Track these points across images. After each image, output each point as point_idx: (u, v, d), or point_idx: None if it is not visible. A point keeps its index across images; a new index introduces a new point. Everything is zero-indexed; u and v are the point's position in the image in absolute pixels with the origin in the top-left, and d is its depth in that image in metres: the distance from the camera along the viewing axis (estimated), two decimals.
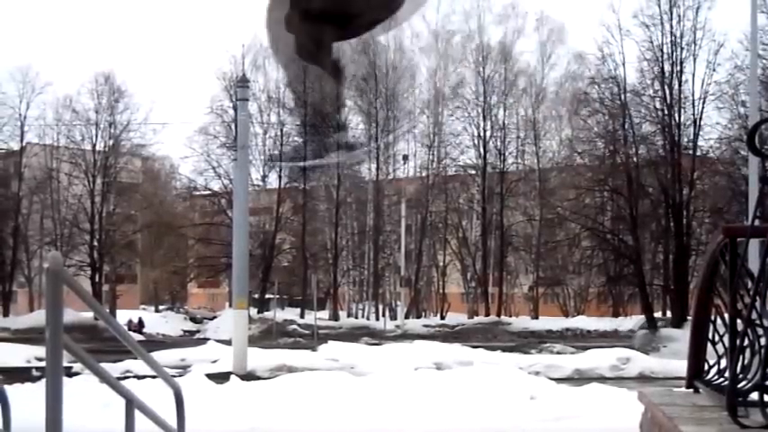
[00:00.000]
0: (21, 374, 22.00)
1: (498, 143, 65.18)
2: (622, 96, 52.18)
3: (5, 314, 60.75)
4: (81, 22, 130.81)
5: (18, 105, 62.37)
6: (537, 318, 61.47)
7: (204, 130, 65.19)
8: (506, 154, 65.25)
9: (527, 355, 30.97)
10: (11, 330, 51.21)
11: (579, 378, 24.36)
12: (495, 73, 65.20)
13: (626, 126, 51.34)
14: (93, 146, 63.20)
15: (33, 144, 64.19)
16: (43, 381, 3.44)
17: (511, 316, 62.84)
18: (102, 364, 4.08)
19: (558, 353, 34.42)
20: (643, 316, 48.73)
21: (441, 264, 68.33)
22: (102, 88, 63.55)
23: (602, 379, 22.87)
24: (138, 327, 57.98)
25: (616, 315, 59.94)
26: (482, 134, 64.78)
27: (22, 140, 63.14)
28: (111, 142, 63.58)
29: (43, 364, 3.45)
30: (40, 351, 28.22)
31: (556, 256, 64.38)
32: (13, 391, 6.36)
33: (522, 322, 58.53)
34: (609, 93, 53.26)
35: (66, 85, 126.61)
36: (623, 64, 52.60)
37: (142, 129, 63.92)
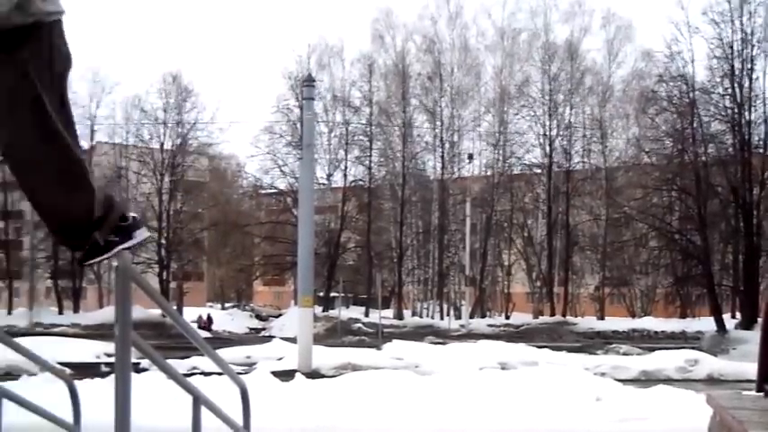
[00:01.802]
0: (90, 370, 22.27)
1: (564, 142, 64.84)
2: (691, 94, 51.51)
3: (75, 310, 61.77)
4: (150, 23, 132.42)
5: (88, 105, 63.42)
6: (603, 318, 61.02)
7: (270, 128, 65.70)
8: (572, 153, 64.93)
9: (593, 356, 30.72)
10: (80, 326, 52.01)
11: (646, 380, 24.12)
12: (562, 71, 64.86)
13: (694, 124, 50.67)
14: (161, 144, 63.99)
15: (103, 143, 65.14)
16: (112, 376, 3.48)
17: (576, 316, 62.44)
18: (170, 361, 4.11)
19: (625, 354, 34.08)
20: (712, 317, 48.08)
21: (506, 263, 68.08)
22: (170, 88, 64.35)
23: (669, 381, 22.60)
24: (208, 324, 58.54)
25: (684, 316, 59.24)
26: (548, 133, 64.51)
27: (92, 139, 64.10)
28: (178, 141, 64.31)
29: (112, 360, 3.49)
30: (109, 347, 28.60)
31: (622, 256, 63.81)
32: (83, 386, 6.45)
33: (587, 323, 58.12)
34: (677, 91, 52.61)
35: (135, 84, 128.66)
36: (692, 61, 51.99)
37: (209, 128, 64.61)
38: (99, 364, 26.96)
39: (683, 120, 51.76)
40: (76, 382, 5.76)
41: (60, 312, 62.35)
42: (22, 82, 3.11)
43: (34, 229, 63.90)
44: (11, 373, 21.92)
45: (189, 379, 4.60)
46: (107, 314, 52.20)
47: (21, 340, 5.73)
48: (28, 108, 3.13)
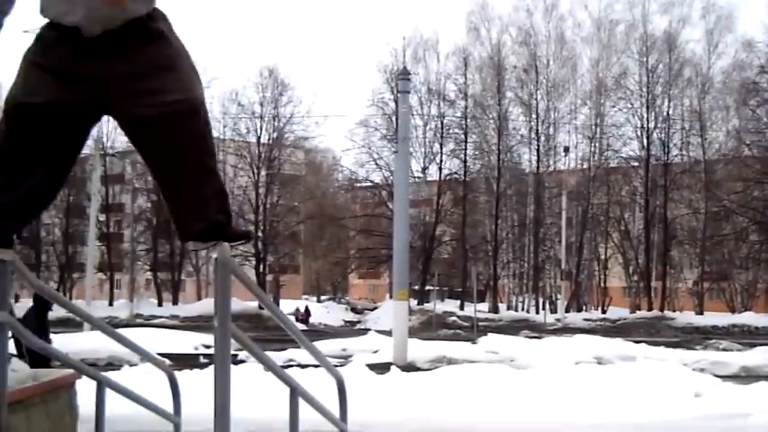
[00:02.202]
0: (189, 361, 22.63)
1: (662, 134, 63.88)
2: None
3: (175, 302, 62.83)
4: (247, 18, 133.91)
5: None
6: (702, 313, 60.03)
7: (365, 122, 65.92)
8: (671, 145, 63.93)
9: (691, 352, 30.27)
10: (180, 318, 52.92)
11: (747, 376, 23.68)
12: (660, 63, 63.90)
13: None
14: (258, 138, 64.64)
15: None
16: (210, 367, 3.53)
17: (674, 311, 61.54)
18: (267, 353, 4.16)
19: (725, 350, 33.49)
20: None
21: (602, 257, 67.37)
22: (267, 82, 64.94)
23: None
24: (306, 316, 59.08)
25: None
26: (645, 125, 63.60)
27: None
28: (274, 135, 64.89)
29: (210, 351, 3.55)
30: (207, 338, 29.08)
31: (722, 250, 62.70)
32: (182, 377, 6.55)
33: (686, 317, 57.27)
34: None
35: (233, 79, 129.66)
36: None
37: (305, 121, 65.04)
38: (198, 355, 27.39)
39: None
40: (176, 373, 5.86)
41: (160, 304, 63.49)
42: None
43: (134, 221, 65.23)
44: (112, 364, 22.44)
45: (286, 371, 4.65)
46: (206, 306, 53.02)
47: (122, 331, 5.85)
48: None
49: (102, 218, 66.15)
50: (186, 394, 5.82)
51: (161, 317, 54.11)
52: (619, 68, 65.01)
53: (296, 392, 4.43)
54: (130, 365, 20.37)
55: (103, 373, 5.69)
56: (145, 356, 5.89)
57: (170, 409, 5.69)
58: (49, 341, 12.60)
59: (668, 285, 63.88)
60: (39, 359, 11.26)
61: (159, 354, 12.89)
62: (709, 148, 63.84)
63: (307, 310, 61.71)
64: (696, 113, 63.58)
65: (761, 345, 31.13)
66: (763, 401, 15.82)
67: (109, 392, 5.20)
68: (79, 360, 6.15)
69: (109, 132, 64.03)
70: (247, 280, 3.60)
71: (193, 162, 3.46)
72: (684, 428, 14.26)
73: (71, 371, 5.79)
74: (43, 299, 13.25)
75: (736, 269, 62.49)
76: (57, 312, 26.82)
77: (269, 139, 64.75)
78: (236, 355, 17.04)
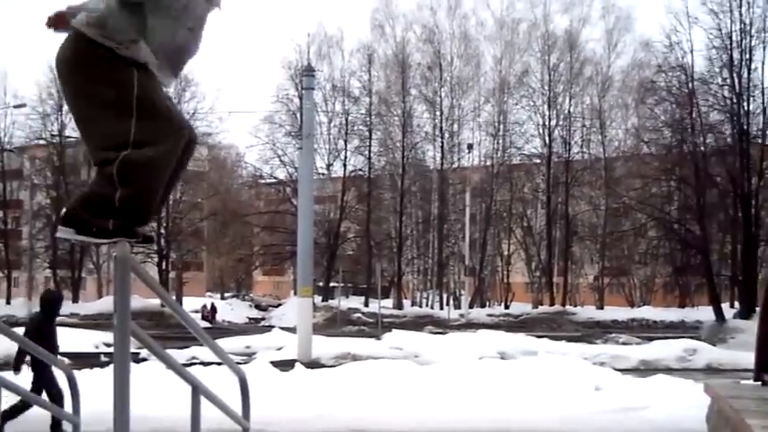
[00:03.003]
0: (89, 360, 22.32)
1: (564, 132, 64.83)
2: (690, 85, 51.40)
3: (75, 300, 61.73)
4: None
5: None
6: (602, 308, 61.10)
7: (270, 118, 65.62)
8: (572, 143, 64.89)
9: (592, 346, 30.76)
10: (80, 316, 52.02)
11: (645, 369, 24.15)
12: (561, 61, 64.83)
13: (693, 115, 50.60)
14: None
15: None
16: (111, 366, 3.49)
17: (576, 306, 62.53)
18: (169, 351, 4.12)
19: (624, 343, 34.12)
20: (710, 307, 48.11)
21: (505, 253, 68.15)
22: None
23: (668, 370, 22.65)
24: (212, 314, 58.66)
25: (682, 306, 59.35)
26: (547, 123, 64.47)
27: None
28: None
29: (111, 349, 3.50)
30: (108, 337, 28.65)
31: (622, 246, 63.84)
32: (82, 376, 6.45)
33: (587, 312, 58.20)
34: (676, 81, 52.52)
35: None
36: (691, 52, 51.85)
37: (208, 117, 64.56)
38: (98, 354, 27.00)
39: (682, 110, 51.70)
40: (75, 372, 5.78)
41: None
42: None
43: (33, 218, 63.97)
44: (10, 363, 21.97)
45: (188, 369, 4.61)
46: (106, 304, 52.28)
47: (19, 330, 5.74)
48: None
49: (0, 214, 64.86)
50: (86, 393, 5.74)
51: (60, 315, 52.99)
52: (521, 67, 65.77)
53: (198, 390, 4.40)
54: (28, 366, 19.97)
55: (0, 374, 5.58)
56: (43, 356, 5.80)
57: (69, 408, 5.61)
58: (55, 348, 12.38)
59: (569, 281, 64.87)
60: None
61: (59, 353, 12.69)
62: (608, 146, 65.00)
63: (213, 307, 61.24)
64: (596, 111, 64.67)
65: (659, 338, 31.79)
66: (661, 394, 16.14)
67: (6, 393, 5.11)
68: None
69: (6, 128, 62.83)
70: (147, 277, 3.56)
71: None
72: (584, 422, 14.47)
73: None
74: (51, 302, 13.01)
75: (635, 264, 63.64)
76: None
77: None
78: (138, 354, 16.84)
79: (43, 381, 12.12)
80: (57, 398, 11.73)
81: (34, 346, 5.68)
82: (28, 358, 12.18)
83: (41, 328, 12.30)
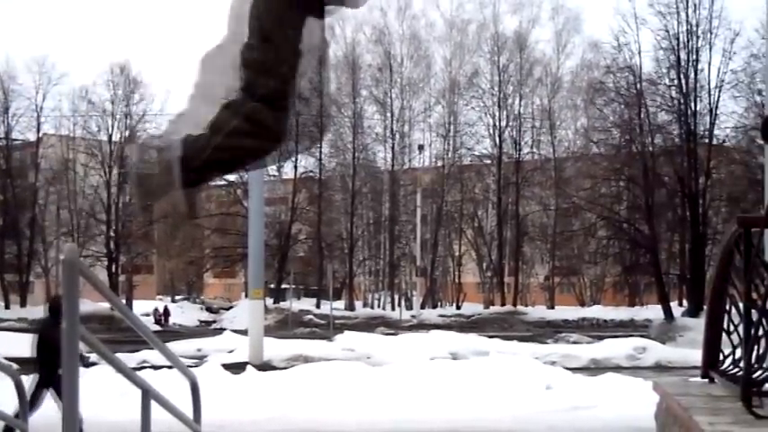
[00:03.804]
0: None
1: (514, 133, 65.08)
2: (638, 85, 51.97)
3: (23, 304, 61.04)
4: (97, 13, 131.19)
5: (34, 96, 62.65)
6: (553, 307, 61.46)
7: None
8: (522, 144, 65.16)
9: (543, 345, 30.93)
10: (28, 320, 51.41)
11: (595, 368, 24.33)
12: (511, 62, 65.10)
13: (642, 115, 51.14)
14: (110, 136, 63.36)
15: (50, 135, 64.41)
16: (60, 371, 3.46)
17: (527, 306, 62.80)
18: (119, 355, 4.10)
19: (575, 342, 34.38)
20: (659, 305, 48.61)
21: (456, 254, 68.29)
22: (118, 79, 63.74)
23: (618, 369, 22.83)
24: (164, 317, 58.29)
25: (632, 305, 59.86)
26: (497, 124, 64.66)
27: (38, 131, 63.40)
28: (127, 133, 63.71)
29: None
30: None
31: (572, 245, 64.27)
32: (29, 382, 6.38)
33: (538, 312, 58.50)
34: (625, 82, 53.09)
35: (82, 76, 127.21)
36: (639, 53, 52.44)
37: (158, 119, 63.97)
38: None
39: (631, 110, 52.23)
40: (24, 378, 5.72)
41: (7, 307, 61.56)
42: None
43: None
44: None
45: (138, 373, 4.59)
46: None
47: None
48: None
49: None
50: None
51: (8, 320, 52.50)
52: (471, 68, 65.93)
53: (148, 394, 4.37)
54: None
55: None
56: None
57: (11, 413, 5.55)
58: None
59: (520, 280, 65.16)
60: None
61: (6, 358, 12.55)
62: (558, 147, 65.40)
63: (166, 310, 60.90)
64: (546, 112, 65.04)
65: (609, 337, 31.99)
66: (611, 392, 16.28)
67: None
68: None
69: None
70: (96, 281, 3.54)
71: None
72: (535, 421, 14.56)
73: None
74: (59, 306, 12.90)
75: (585, 264, 64.07)
76: None
77: (121, 137, 63.55)
78: (88, 357, 16.68)
79: (52, 382, 12.20)
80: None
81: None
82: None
83: (51, 333, 12.35)
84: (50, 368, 12.17)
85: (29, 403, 11.18)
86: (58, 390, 12.32)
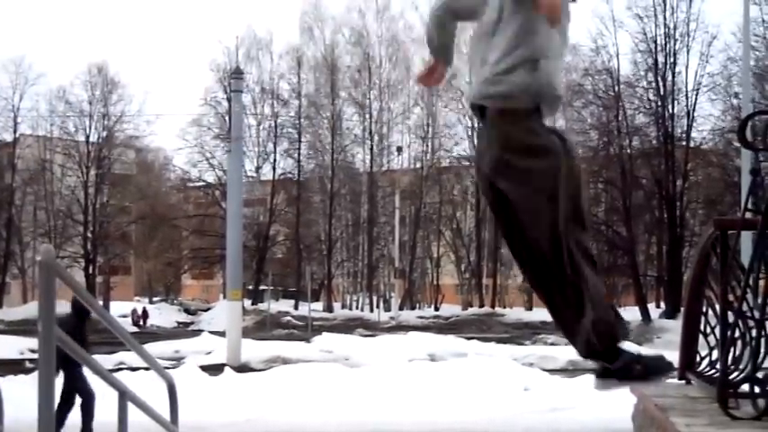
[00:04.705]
0: (14, 366, 21.98)
1: None
2: (616, 88, 52.20)
3: None
4: (74, 13, 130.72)
5: (11, 96, 62.34)
6: (531, 309, 61.53)
7: (198, 121, 65.16)
8: None
9: (521, 347, 30.99)
10: (4, 322, 51.16)
11: (573, 369, 24.32)
12: None
13: (619, 117, 51.36)
14: (87, 137, 63.12)
15: (27, 135, 64.09)
16: (36, 373, 3.44)
17: (505, 307, 62.96)
18: (96, 357, 4.08)
19: (552, 344, 34.43)
20: (637, 307, 48.79)
21: (435, 255, 68.43)
22: (96, 79, 63.52)
23: (595, 370, 22.83)
24: (143, 318, 58.13)
25: None
26: (476, 125, 64.62)
27: (15, 132, 63.06)
28: (104, 133, 63.53)
29: (36, 356, 3.46)
30: (33, 343, 28.22)
31: None
32: (6, 383, 6.35)
33: (516, 313, 58.61)
34: (602, 84, 53.30)
35: (60, 76, 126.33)
36: (617, 55, 52.67)
37: (136, 120, 63.88)
38: (23, 360, 26.57)
39: (609, 113, 52.44)
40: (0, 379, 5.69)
41: None
42: None
43: None
44: None
45: (115, 374, 4.57)
46: (31, 309, 51.39)
47: None
48: None
49: None
50: (9, 401, 5.66)
51: None
52: (450, 70, 65.89)
53: (125, 396, 4.36)
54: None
55: None
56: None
57: None
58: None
59: (499, 282, 65.29)
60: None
61: None
62: None
63: (144, 311, 60.75)
64: None
65: None
66: (588, 394, 16.32)
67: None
68: None
69: None
70: (73, 282, 3.52)
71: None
72: (512, 422, 14.59)
73: None
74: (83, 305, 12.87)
75: None
76: None
77: (98, 138, 63.35)
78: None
79: (75, 381, 12.15)
80: (89, 399, 12.08)
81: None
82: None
83: (74, 331, 12.35)
84: (73, 366, 12.16)
85: (59, 405, 11.29)
86: (77, 388, 12.35)
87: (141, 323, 56.80)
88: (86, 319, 13.09)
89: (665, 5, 50.63)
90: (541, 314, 56.81)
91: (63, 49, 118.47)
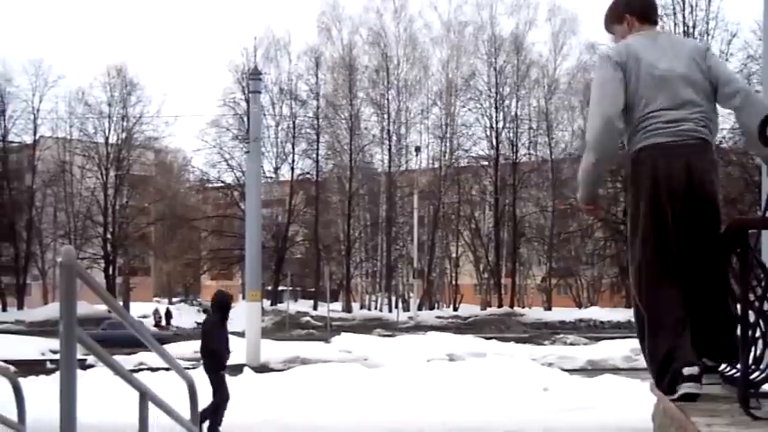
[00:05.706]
0: (35, 367, 22.09)
1: (511, 134, 65.17)
2: None
3: (20, 307, 61.07)
4: (94, 15, 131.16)
5: (31, 99, 62.76)
6: (550, 309, 61.45)
7: (216, 122, 65.32)
8: (519, 145, 65.26)
9: (540, 347, 30.98)
10: (25, 323, 51.46)
11: (592, 369, 24.35)
12: (508, 64, 65.14)
13: None
14: (106, 139, 63.42)
15: (46, 137, 64.44)
16: (57, 373, 3.46)
17: (524, 307, 62.81)
18: (116, 357, 4.09)
19: (571, 344, 34.42)
20: None
21: (453, 255, 68.32)
22: (115, 81, 63.83)
23: (615, 370, 22.83)
24: (166, 319, 58.35)
25: (629, 306, 59.52)
26: (494, 125, 64.73)
27: (35, 134, 63.47)
28: (123, 135, 63.82)
29: (57, 356, 3.47)
30: (54, 344, 28.36)
31: (569, 247, 64.31)
32: (28, 384, 6.39)
33: (534, 313, 58.49)
34: None
35: (79, 78, 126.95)
36: None
37: (155, 121, 64.18)
38: (44, 360, 26.74)
39: None
40: (21, 380, 5.71)
41: (4, 309, 61.68)
42: None
43: None
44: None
45: (136, 375, 4.59)
46: (52, 310, 51.64)
47: None
48: None
49: None
50: (32, 401, 5.68)
51: (6, 322, 52.56)
52: (468, 69, 65.96)
53: (145, 396, 4.37)
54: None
55: None
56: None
57: (14, 417, 5.54)
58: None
59: (518, 282, 65.16)
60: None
61: (3, 360, 12.54)
62: (555, 148, 65.44)
63: (168, 312, 60.94)
64: (543, 114, 65.10)
65: (606, 338, 32.03)
66: (608, 394, 16.28)
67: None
68: None
69: None
70: (93, 283, 3.53)
71: None
72: (532, 422, 14.55)
73: None
74: (226, 304, 13.02)
75: (582, 265, 64.12)
76: None
77: (117, 140, 63.65)
78: (84, 360, 16.70)
79: (219, 384, 12.60)
80: (221, 402, 12.60)
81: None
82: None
83: (215, 330, 12.52)
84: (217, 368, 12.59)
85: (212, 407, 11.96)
86: (216, 390, 12.65)
87: (164, 324, 56.96)
88: (227, 314, 13.20)
89: (683, 4, 50.54)
90: (561, 314, 56.90)
91: (82, 52, 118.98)
